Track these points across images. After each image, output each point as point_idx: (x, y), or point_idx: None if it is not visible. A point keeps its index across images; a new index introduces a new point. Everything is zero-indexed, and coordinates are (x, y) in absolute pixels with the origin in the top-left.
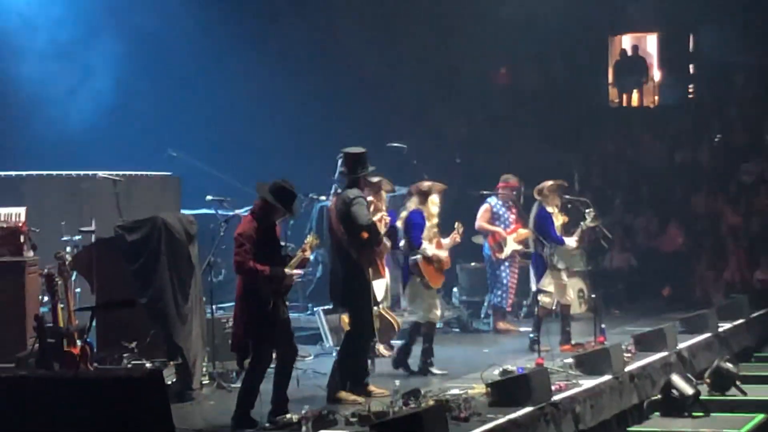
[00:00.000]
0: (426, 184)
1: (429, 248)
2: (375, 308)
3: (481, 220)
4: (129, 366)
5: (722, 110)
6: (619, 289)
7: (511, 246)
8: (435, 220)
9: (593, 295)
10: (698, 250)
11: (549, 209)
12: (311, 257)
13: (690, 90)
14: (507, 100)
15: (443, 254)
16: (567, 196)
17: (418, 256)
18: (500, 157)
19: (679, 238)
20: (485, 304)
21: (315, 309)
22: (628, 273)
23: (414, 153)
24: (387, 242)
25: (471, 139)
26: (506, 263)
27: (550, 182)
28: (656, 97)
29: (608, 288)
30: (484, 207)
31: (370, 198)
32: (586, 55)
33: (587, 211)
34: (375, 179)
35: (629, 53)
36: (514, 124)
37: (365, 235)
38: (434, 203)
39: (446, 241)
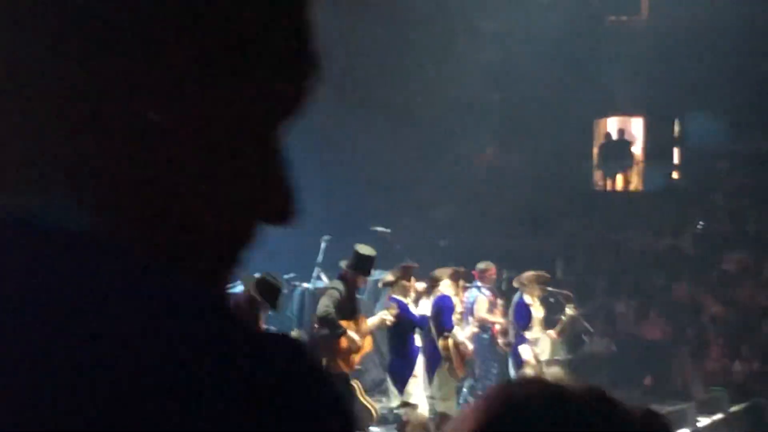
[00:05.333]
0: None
1: (460, 333)
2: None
3: (481, 312)
4: None
5: (706, 197)
6: (600, 377)
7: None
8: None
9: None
10: (679, 339)
11: (528, 300)
12: None
13: (674, 176)
14: (492, 181)
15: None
16: (549, 288)
17: (450, 340)
18: (484, 240)
19: (660, 326)
20: (465, 390)
21: None
22: (608, 360)
23: (398, 236)
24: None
25: (455, 222)
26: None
27: (531, 273)
28: (640, 182)
29: (590, 376)
30: (480, 298)
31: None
32: (571, 138)
33: (567, 303)
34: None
35: (614, 136)
36: (498, 206)
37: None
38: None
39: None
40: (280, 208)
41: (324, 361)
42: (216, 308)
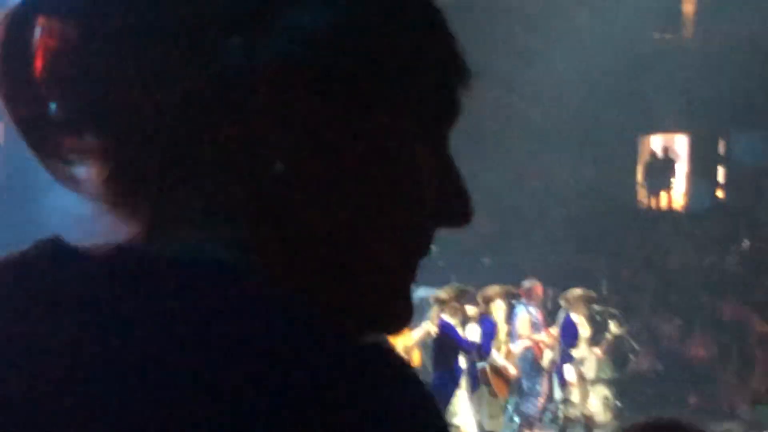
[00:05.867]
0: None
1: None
2: None
3: (522, 330)
4: None
5: (752, 215)
6: (645, 396)
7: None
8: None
9: (617, 403)
10: (725, 358)
11: (574, 318)
12: None
13: (719, 194)
14: (536, 198)
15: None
16: (595, 306)
17: (488, 365)
18: (529, 257)
19: (706, 345)
20: (509, 408)
21: None
22: (654, 379)
23: (441, 253)
24: (414, 354)
25: (499, 239)
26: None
27: (577, 290)
28: (685, 200)
29: (635, 395)
30: (521, 315)
31: None
32: (616, 155)
33: (613, 321)
34: None
35: (659, 154)
36: (543, 223)
37: None
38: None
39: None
40: (457, 209)
41: None
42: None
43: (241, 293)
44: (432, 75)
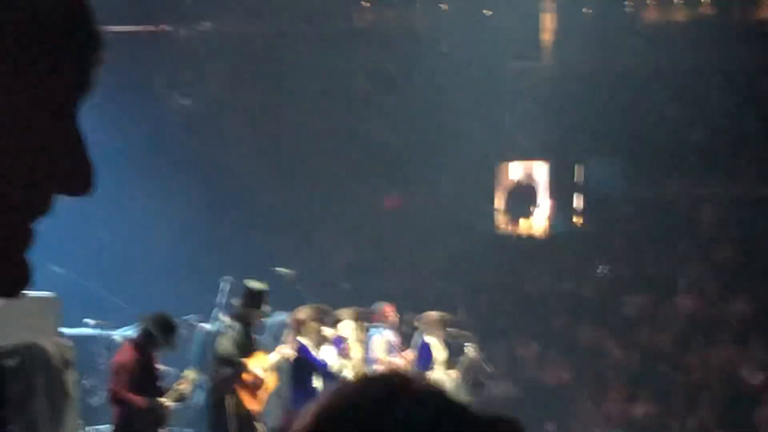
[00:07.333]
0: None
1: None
2: None
3: (377, 353)
4: None
5: (608, 242)
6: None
7: None
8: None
9: None
10: (580, 382)
11: (430, 340)
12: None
13: (577, 220)
14: (395, 224)
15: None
16: (450, 329)
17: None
18: (386, 282)
19: (562, 370)
20: None
21: None
22: (511, 403)
23: (300, 278)
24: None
25: (357, 264)
26: None
27: (433, 313)
28: (545, 227)
29: None
30: (375, 338)
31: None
32: (474, 181)
33: (469, 345)
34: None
35: (519, 181)
36: (402, 249)
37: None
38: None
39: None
40: (80, 178)
41: (229, 400)
42: None
43: None
44: (68, 48)
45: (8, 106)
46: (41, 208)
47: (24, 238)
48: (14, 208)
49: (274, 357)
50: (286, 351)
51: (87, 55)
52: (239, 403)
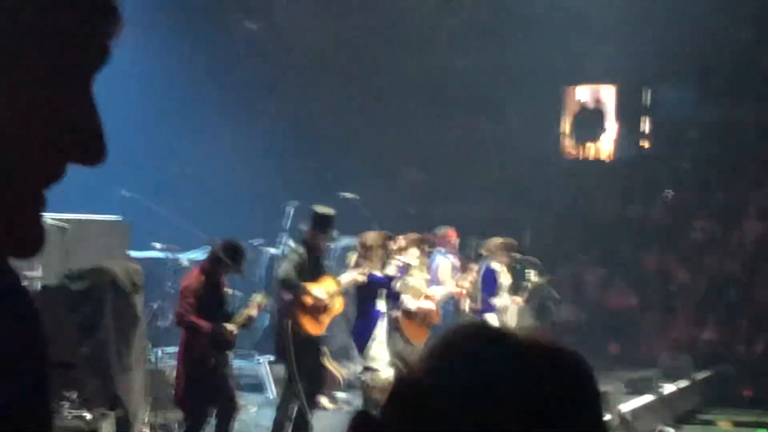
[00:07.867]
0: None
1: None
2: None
3: (444, 276)
4: (69, 417)
5: (676, 166)
6: (567, 344)
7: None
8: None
9: None
10: (646, 307)
11: (495, 266)
12: (256, 314)
13: (644, 144)
14: (461, 149)
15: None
16: (516, 255)
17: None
18: (454, 207)
19: (628, 295)
20: None
21: (259, 359)
22: (576, 328)
23: (366, 203)
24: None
25: (425, 189)
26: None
27: (498, 239)
28: (612, 151)
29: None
30: (442, 263)
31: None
32: (540, 106)
33: (533, 271)
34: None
35: (585, 105)
36: (468, 174)
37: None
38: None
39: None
40: (92, 149)
41: (291, 324)
42: None
43: None
44: (82, 23)
45: (22, 77)
46: (54, 176)
47: (37, 203)
48: (28, 176)
49: (346, 278)
50: (357, 276)
51: (102, 26)
52: (297, 327)
